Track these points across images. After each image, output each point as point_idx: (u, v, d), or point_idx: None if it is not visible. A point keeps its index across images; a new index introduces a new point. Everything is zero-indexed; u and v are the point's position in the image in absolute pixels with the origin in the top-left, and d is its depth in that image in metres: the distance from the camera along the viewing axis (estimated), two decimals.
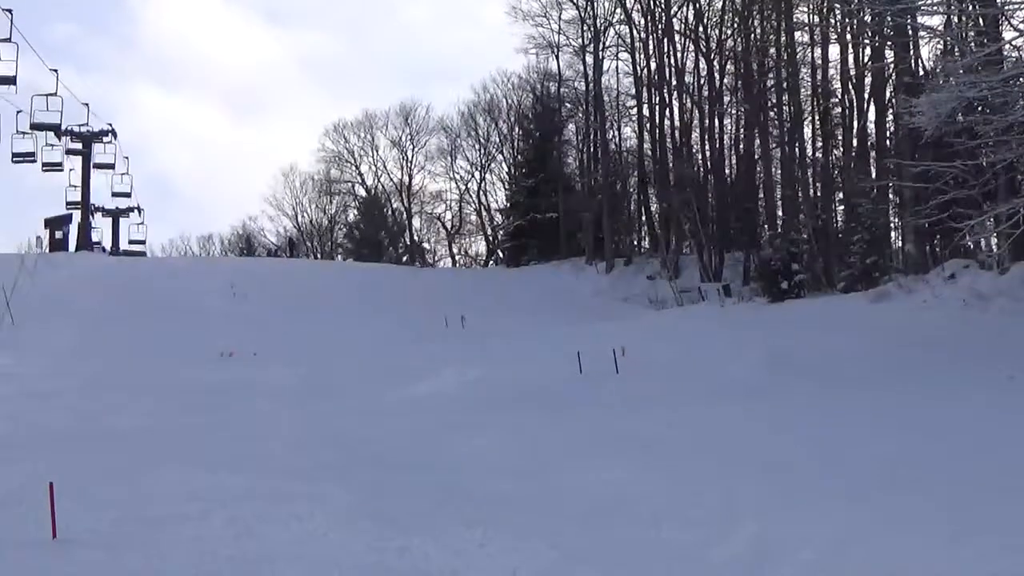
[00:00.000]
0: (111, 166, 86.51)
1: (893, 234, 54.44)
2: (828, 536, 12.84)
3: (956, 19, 37.87)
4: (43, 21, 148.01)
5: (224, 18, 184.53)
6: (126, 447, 20.85)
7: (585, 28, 79.65)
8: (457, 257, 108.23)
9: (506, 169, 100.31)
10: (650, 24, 75.03)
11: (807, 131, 60.77)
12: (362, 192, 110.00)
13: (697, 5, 72.64)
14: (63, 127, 77.29)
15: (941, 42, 42.25)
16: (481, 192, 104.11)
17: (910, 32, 41.68)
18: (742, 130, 69.40)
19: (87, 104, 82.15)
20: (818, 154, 59.69)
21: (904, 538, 12.64)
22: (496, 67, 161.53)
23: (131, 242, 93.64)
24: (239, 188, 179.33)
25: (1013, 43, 31.28)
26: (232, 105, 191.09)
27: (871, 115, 55.10)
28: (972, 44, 33.98)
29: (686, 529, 13.46)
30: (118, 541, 13.28)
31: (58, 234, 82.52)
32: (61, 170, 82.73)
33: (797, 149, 59.74)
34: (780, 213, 62.67)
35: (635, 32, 76.31)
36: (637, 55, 75.98)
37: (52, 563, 12.26)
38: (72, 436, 22.58)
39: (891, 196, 51.17)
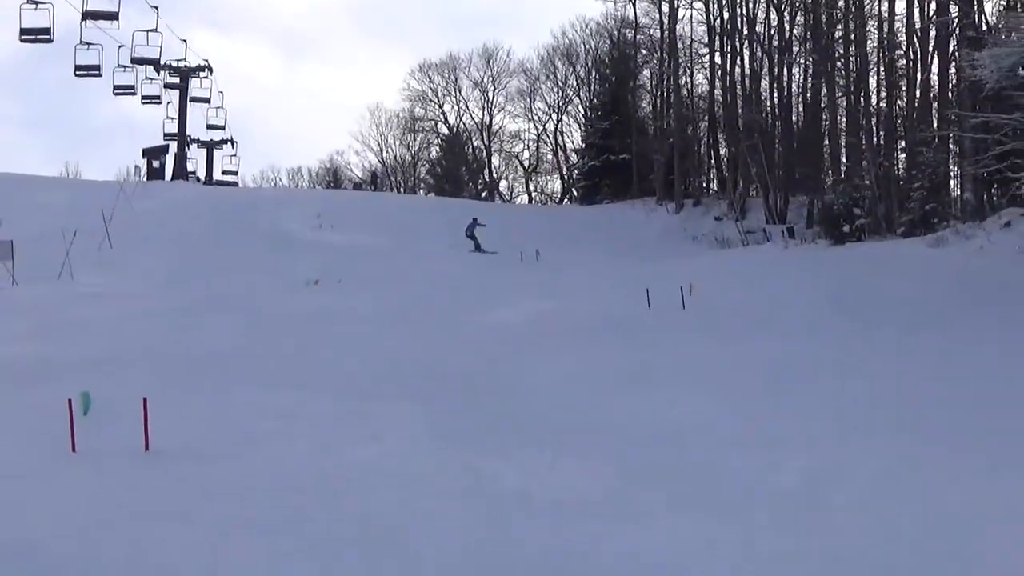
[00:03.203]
0: (207, 100, 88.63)
1: (952, 182, 53.87)
2: (878, 467, 13.62)
3: None
4: None
5: None
6: (216, 367, 21.66)
7: None
8: (533, 194, 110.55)
9: (582, 111, 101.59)
10: None
11: (872, 82, 60.55)
12: (444, 130, 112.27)
13: None
14: (162, 62, 79.39)
15: None
16: (558, 133, 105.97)
17: None
18: (809, 79, 69.39)
19: (185, 40, 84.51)
20: (882, 104, 59.39)
21: (948, 471, 13.38)
22: (575, 13, 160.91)
23: (224, 172, 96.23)
24: (295, 128, 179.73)
25: None
26: (285, 48, 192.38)
27: (935, 67, 54.64)
28: None
29: (745, 456, 14.11)
30: (207, 455, 14.17)
31: (155, 164, 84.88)
32: (159, 103, 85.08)
33: (862, 99, 59.55)
34: (844, 160, 62.57)
35: None
36: (711, 4, 75.80)
37: (145, 473, 13.20)
38: (165, 355, 23.22)
39: (952, 146, 50.59)
